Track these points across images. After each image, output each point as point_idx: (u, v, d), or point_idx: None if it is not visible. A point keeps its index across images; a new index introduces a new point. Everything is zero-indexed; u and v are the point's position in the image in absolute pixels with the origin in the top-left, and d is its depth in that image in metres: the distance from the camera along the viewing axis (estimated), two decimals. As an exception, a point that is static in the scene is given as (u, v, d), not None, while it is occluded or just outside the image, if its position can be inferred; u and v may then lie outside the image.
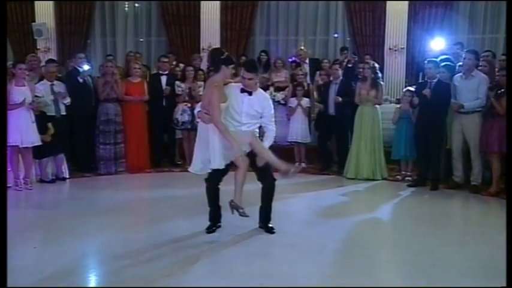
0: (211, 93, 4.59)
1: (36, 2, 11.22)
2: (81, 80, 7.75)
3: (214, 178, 4.85)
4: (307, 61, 9.66)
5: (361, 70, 8.17)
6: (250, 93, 4.76)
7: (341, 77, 8.02)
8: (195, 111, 4.86)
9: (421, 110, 7.09)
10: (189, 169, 4.87)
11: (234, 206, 4.73)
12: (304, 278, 3.91)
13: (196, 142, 4.81)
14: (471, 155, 6.83)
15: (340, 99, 7.80)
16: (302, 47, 10.15)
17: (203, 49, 10.66)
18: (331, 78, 8.13)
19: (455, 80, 6.91)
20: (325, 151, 8.29)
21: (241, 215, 4.74)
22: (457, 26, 10.40)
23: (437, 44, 9.24)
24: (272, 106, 5.01)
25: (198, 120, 4.79)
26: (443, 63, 7.05)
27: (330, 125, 8.08)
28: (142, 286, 3.73)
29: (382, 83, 7.84)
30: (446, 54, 7.68)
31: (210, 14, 10.88)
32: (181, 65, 9.13)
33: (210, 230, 4.95)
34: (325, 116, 8.11)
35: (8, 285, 3.38)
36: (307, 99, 8.52)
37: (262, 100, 4.84)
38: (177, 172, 8.18)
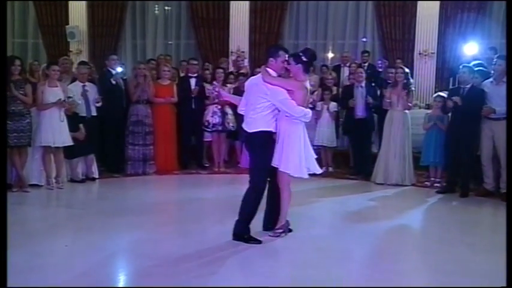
0: None
1: (70, 5, 11.47)
2: (114, 82, 7.87)
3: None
4: (348, 64, 9.63)
5: (390, 75, 8.11)
6: None
7: (364, 81, 7.97)
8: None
9: (454, 116, 6.99)
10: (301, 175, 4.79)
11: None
12: (330, 283, 3.89)
13: (295, 145, 4.73)
14: (501, 162, 6.69)
15: (371, 100, 7.78)
16: (346, 51, 10.24)
17: (231, 52, 10.73)
18: (354, 82, 8.09)
19: (485, 86, 6.79)
20: (361, 156, 8.19)
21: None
22: (490, 31, 10.22)
23: (470, 48, 9.09)
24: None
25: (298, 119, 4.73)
26: (476, 68, 6.95)
27: (357, 129, 8.04)
28: (169, 286, 3.77)
29: (413, 88, 7.75)
30: (479, 60, 7.56)
31: (239, 17, 10.94)
32: (207, 64, 9.22)
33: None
34: (352, 119, 8.07)
35: (8, 285, 3.41)
36: (334, 103, 8.49)
37: None
38: (204, 174, 8.25)
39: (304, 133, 4.81)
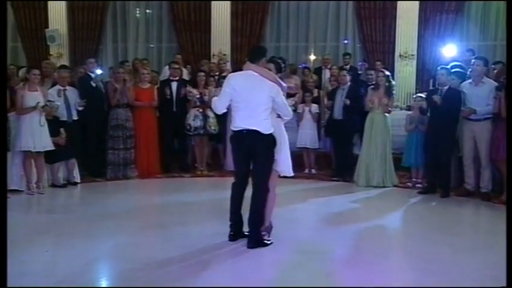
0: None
1: (49, 8, 11.35)
2: (94, 85, 7.81)
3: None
4: (329, 67, 9.66)
5: (370, 77, 8.15)
6: None
7: (349, 83, 7.99)
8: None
9: (432, 117, 7.06)
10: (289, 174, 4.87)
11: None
12: (313, 284, 3.91)
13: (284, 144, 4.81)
14: (482, 163, 6.77)
15: (348, 101, 7.75)
16: (327, 54, 10.33)
17: (213, 55, 10.72)
18: (339, 84, 8.12)
19: (464, 87, 6.86)
20: (342, 158, 8.19)
21: None
22: (468, 33, 10.37)
23: (449, 50, 9.21)
24: None
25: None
26: (453, 70, 7.03)
27: (337, 131, 8.05)
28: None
29: (394, 93, 7.79)
30: (457, 61, 7.65)
31: (221, 20, 10.94)
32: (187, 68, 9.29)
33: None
34: (332, 121, 8.10)
35: (8, 285, 3.40)
36: (315, 105, 8.54)
37: None
38: (187, 178, 8.22)
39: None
